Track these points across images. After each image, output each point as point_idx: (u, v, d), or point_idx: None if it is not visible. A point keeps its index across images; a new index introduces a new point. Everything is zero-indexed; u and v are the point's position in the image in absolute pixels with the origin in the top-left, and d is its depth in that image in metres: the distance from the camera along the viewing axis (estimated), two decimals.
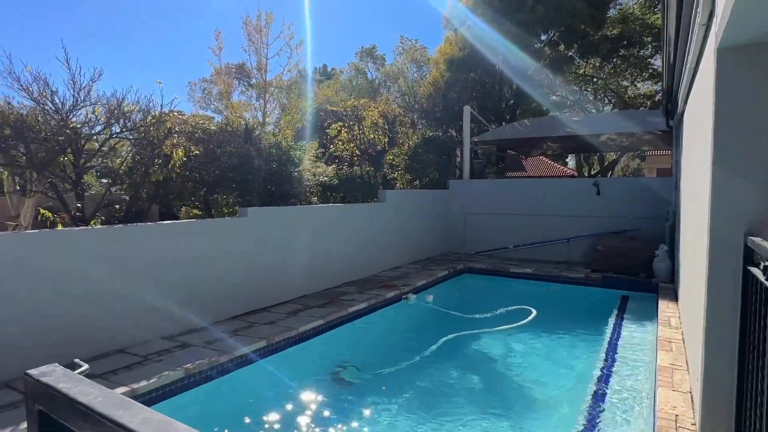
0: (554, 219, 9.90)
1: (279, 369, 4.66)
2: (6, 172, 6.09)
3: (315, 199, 8.93)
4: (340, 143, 12.16)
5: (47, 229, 4.53)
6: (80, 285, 4.25)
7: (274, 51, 18.30)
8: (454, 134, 15.37)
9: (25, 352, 3.85)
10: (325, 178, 9.17)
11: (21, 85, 5.42)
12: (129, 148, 6.69)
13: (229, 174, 6.97)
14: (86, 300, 4.29)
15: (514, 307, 6.88)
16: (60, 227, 5.86)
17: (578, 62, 20.23)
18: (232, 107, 19.07)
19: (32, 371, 0.70)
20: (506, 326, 6.08)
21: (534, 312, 6.52)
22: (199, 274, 5.30)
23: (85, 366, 0.75)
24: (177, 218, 8.23)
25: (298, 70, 20.09)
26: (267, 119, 19.36)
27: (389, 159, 12.40)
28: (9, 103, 5.60)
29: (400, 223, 9.23)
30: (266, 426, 3.75)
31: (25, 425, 2.95)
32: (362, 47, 34.52)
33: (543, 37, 17.79)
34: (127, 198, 6.99)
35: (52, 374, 0.70)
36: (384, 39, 52.53)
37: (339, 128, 12.19)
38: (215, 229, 5.57)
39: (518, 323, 6.17)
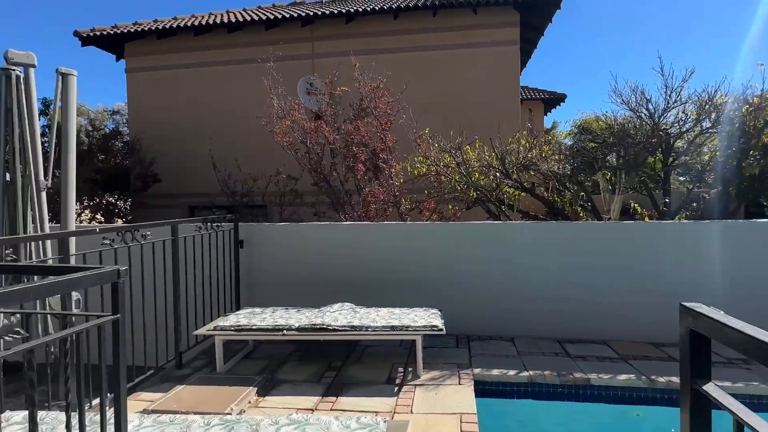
0: None
1: None
2: (608, 174, 7.44)
3: None
4: None
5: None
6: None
7: None
8: None
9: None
10: None
11: (622, 99, 6.49)
12: (717, 143, 6.45)
13: None
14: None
15: None
16: (646, 220, 6.58)
17: None
18: None
19: (686, 303, 1.05)
20: None
21: None
22: None
23: None
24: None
25: None
26: None
27: None
28: (614, 117, 6.82)
29: None
30: None
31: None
32: None
33: None
34: (706, 195, 6.77)
35: (700, 308, 1.01)
36: None
37: None
38: None
39: None
